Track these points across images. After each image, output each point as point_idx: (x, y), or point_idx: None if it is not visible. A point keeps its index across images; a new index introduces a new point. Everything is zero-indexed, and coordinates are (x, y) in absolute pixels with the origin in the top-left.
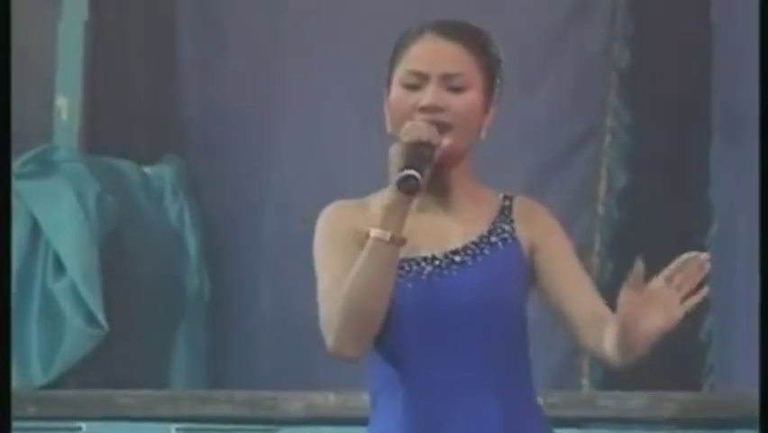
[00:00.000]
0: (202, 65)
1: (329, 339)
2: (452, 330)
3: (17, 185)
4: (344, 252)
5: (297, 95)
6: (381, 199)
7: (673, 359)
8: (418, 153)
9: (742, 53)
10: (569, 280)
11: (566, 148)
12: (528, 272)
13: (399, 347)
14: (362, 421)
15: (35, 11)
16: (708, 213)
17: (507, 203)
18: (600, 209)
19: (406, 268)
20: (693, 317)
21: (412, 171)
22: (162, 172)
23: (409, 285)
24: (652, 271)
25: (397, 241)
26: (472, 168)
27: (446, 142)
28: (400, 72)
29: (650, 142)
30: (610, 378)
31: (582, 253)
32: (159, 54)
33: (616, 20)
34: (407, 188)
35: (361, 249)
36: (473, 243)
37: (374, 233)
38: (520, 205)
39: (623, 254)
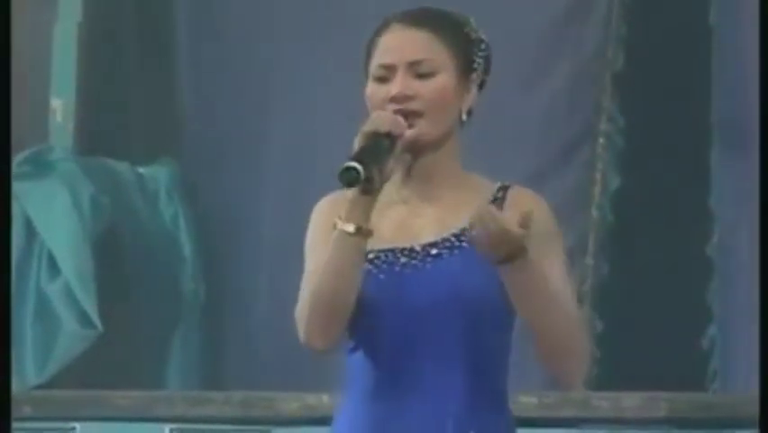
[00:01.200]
0: (197, 67)
1: (300, 330)
2: (419, 324)
3: (12, 185)
4: (326, 246)
5: (294, 97)
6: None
7: (676, 366)
8: (373, 144)
9: (742, 56)
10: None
11: (560, 151)
12: None
13: (368, 338)
14: None
15: (31, 13)
16: (709, 220)
17: (501, 194)
18: (594, 212)
19: (382, 258)
20: (695, 325)
21: (353, 163)
22: (157, 174)
23: (381, 276)
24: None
25: (364, 232)
26: (462, 155)
27: (411, 132)
28: (372, 67)
29: (644, 145)
30: (605, 378)
31: (576, 255)
32: (153, 55)
33: (610, 22)
34: (347, 178)
35: None
36: (453, 235)
37: (339, 225)
38: (515, 196)
39: (617, 257)
